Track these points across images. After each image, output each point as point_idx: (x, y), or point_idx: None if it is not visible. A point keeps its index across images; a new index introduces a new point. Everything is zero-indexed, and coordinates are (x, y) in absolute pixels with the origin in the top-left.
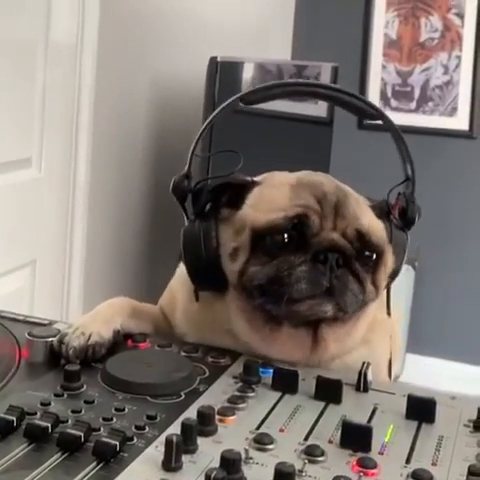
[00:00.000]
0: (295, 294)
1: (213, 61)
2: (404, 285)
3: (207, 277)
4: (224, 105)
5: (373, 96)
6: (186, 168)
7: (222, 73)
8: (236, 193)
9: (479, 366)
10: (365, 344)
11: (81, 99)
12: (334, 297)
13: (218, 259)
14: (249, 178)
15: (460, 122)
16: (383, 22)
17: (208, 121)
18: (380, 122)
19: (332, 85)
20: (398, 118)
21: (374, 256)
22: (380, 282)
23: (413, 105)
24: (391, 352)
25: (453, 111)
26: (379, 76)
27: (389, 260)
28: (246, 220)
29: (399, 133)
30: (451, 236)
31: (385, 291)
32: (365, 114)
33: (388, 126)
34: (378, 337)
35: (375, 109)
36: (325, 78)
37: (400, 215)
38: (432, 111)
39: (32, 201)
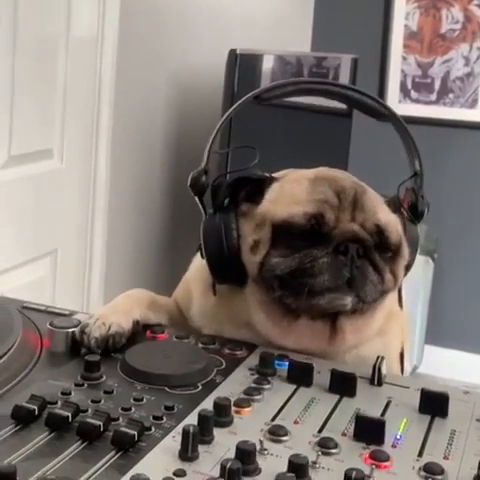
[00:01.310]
0: (317, 286)
1: (232, 53)
2: (423, 277)
3: (228, 270)
4: (238, 103)
5: (393, 88)
6: (203, 164)
7: (241, 65)
8: (255, 188)
9: None
10: (381, 335)
11: (101, 92)
12: (354, 288)
13: (239, 252)
14: (267, 174)
15: None
16: (403, 13)
17: (222, 120)
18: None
19: (343, 83)
20: (418, 110)
21: (392, 248)
22: (398, 272)
23: (433, 97)
24: (402, 346)
25: (474, 103)
26: (399, 68)
27: (406, 253)
28: (266, 214)
29: (407, 130)
30: (471, 228)
31: None
32: (374, 112)
33: (396, 124)
34: (392, 329)
35: (385, 107)
36: (345, 70)
37: (410, 209)
38: (452, 103)
39: (53, 191)
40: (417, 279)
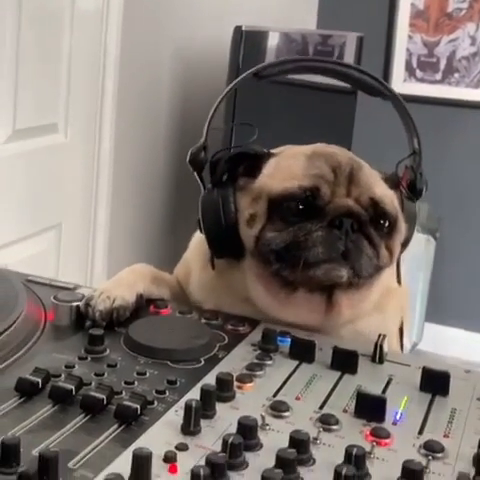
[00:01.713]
0: (311, 258)
1: (238, 30)
2: (425, 255)
3: (225, 244)
4: (236, 81)
5: (398, 67)
6: (203, 140)
7: (247, 42)
8: (252, 163)
9: None
10: (377, 311)
11: (106, 66)
12: (349, 261)
13: (236, 226)
14: (265, 149)
15: None
16: None
17: (221, 97)
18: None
19: (343, 62)
20: (423, 89)
21: (387, 223)
22: (394, 248)
23: (439, 76)
24: (402, 322)
25: (479, 83)
26: (405, 47)
27: (402, 228)
28: (263, 188)
29: (406, 109)
30: (473, 207)
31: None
32: (373, 90)
33: (395, 102)
34: (390, 305)
35: (384, 85)
36: (350, 48)
37: (408, 187)
38: (458, 82)
39: (58, 166)
40: (418, 257)
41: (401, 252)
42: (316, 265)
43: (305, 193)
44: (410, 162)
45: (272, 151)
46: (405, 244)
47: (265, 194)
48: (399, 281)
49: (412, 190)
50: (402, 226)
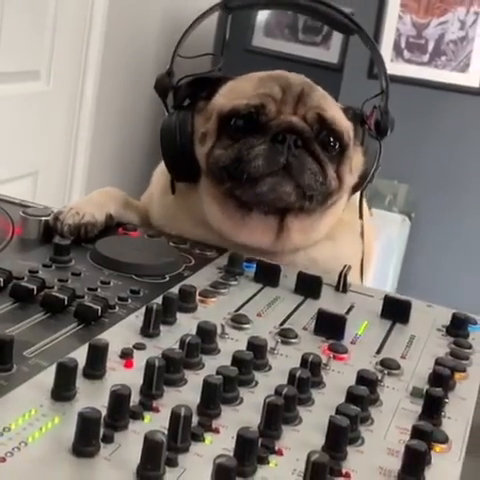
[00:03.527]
0: (253, 170)
1: None
2: (399, 235)
3: (181, 164)
4: (205, 12)
5: (386, 46)
6: (168, 66)
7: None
8: (213, 88)
9: None
10: (329, 240)
11: (93, 15)
12: (292, 176)
13: (191, 146)
14: (226, 75)
15: (471, 78)
16: None
17: (188, 27)
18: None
19: None
20: (409, 70)
21: (337, 145)
22: (343, 174)
23: (426, 58)
24: (363, 253)
25: (465, 67)
26: (394, 26)
27: (356, 157)
28: (215, 107)
29: (376, 48)
30: (450, 190)
31: (358, 195)
32: (343, 27)
33: (365, 41)
34: (344, 236)
35: (353, 22)
36: None
37: (375, 126)
38: (444, 65)
39: (39, 113)
40: (393, 237)
41: (360, 185)
42: (260, 180)
43: (250, 109)
44: (377, 102)
45: (232, 76)
46: (364, 177)
47: (216, 112)
48: (361, 215)
49: (377, 129)
50: (356, 156)
